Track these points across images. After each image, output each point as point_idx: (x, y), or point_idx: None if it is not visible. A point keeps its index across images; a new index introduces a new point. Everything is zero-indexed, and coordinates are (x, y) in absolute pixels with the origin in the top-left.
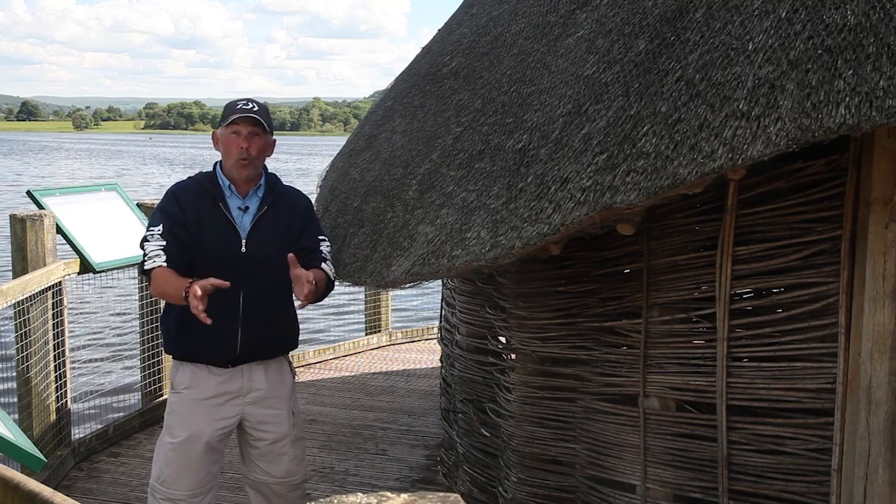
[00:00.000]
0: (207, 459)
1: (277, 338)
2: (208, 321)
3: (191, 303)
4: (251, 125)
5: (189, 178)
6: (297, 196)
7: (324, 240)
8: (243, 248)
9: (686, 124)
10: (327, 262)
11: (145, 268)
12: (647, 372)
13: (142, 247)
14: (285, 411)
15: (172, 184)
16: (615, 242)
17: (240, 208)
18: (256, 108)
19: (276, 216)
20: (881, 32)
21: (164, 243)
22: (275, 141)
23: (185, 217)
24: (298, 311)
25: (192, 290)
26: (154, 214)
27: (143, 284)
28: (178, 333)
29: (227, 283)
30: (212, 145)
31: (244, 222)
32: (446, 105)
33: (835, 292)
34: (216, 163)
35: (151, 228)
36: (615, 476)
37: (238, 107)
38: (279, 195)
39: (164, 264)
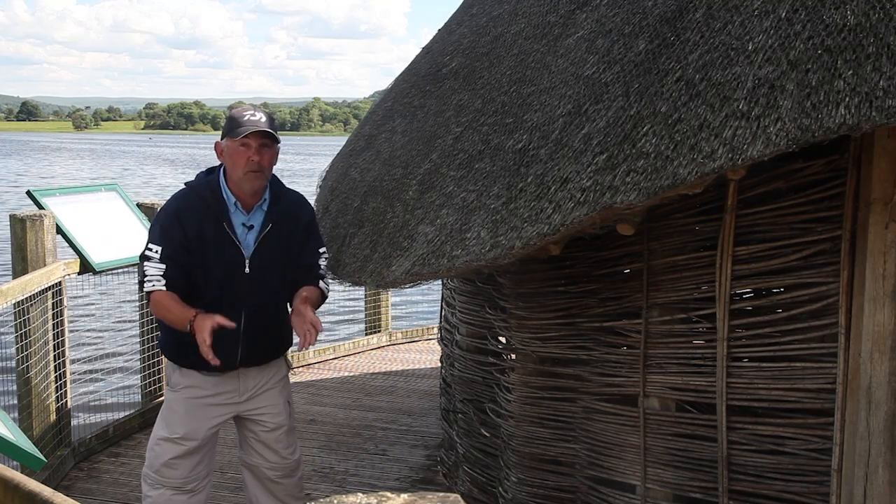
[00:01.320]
0: (201, 452)
1: (275, 347)
2: (217, 362)
3: (198, 340)
4: (261, 137)
5: (190, 187)
6: (300, 207)
7: (322, 252)
8: (247, 269)
9: (686, 124)
10: (324, 278)
11: (145, 289)
12: (647, 372)
13: (142, 262)
14: (281, 402)
15: (175, 191)
16: (615, 242)
17: (244, 225)
18: (265, 120)
19: (279, 232)
20: (881, 32)
21: (163, 267)
22: (279, 146)
23: (188, 238)
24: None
25: (199, 327)
26: (154, 230)
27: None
28: (178, 348)
29: (234, 325)
30: (212, 146)
31: (248, 241)
32: (446, 105)
33: (835, 292)
34: (219, 171)
35: (152, 246)
36: (615, 476)
37: (245, 118)
38: (283, 206)
39: (164, 288)
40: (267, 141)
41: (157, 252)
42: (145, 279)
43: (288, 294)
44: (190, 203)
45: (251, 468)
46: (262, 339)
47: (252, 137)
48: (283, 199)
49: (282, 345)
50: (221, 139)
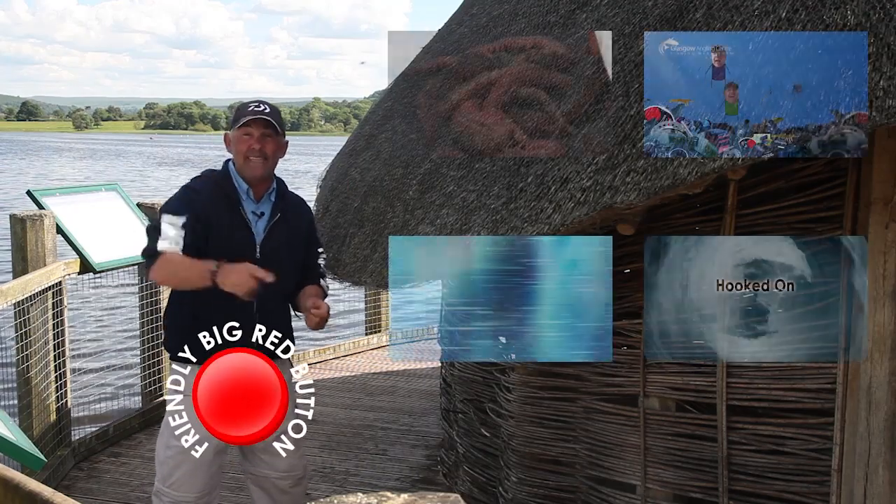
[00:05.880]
0: (216, 461)
1: (288, 340)
2: (271, 278)
3: (233, 280)
4: (263, 126)
5: (205, 175)
6: (302, 207)
7: (321, 252)
8: (258, 255)
9: None
10: (324, 277)
11: (159, 247)
12: (647, 372)
13: (154, 228)
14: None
15: (187, 181)
16: (615, 242)
17: (254, 213)
18: (268, 110)
19: (286, 225)
20: (881, 32)
21: (183, 234)
22: (287, 142)
23: (207, 216)
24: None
25: (229, 270)
26: (172, 204)
27: (144, 284)
28: (192, 327)
29: (270, 277)
30: (216, 145)
31: (258, 227)
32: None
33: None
34: (227, 162)
35: (170, 216)
36: (615, 476)
37: (249, 109)
38: (288, 204)
39: (179, 250)
40: (269, 131)
41: (177, 220)
42: (159, 237)
43: (292, 288)
44: (207, 186)
45: (259, 480)
46: (276, 329)
47: (254, 126)
48: (289, 196)
49: (291, 340)
50: (229, 130)
